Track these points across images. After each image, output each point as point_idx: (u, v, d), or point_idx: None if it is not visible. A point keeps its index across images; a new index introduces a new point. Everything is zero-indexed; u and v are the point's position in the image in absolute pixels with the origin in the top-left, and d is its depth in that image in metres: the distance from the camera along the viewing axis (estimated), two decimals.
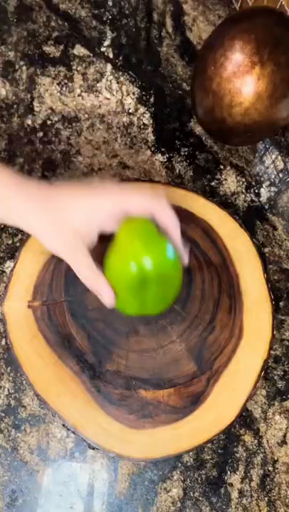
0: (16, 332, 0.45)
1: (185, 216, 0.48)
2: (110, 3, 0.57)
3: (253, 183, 0.53)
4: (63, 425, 0.46)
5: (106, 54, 0.55)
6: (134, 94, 0.54)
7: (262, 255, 0.51)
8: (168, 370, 0.46)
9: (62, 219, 0.36)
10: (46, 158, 0.53)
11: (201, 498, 0.46)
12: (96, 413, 0.44)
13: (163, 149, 0.53)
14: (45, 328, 0.45)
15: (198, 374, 0.46)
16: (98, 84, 0.54)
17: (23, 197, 0.36)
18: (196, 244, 0.48)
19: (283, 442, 0.48)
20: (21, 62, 0.54)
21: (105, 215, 0.37)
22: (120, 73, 0.55)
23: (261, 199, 0.53)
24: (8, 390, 0.47)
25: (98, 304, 0.44)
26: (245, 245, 0.48)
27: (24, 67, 0.54)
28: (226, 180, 0.53)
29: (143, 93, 0.54)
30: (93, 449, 0.46)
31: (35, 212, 0.36)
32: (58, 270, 0.46)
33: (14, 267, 0.46)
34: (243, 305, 0.47)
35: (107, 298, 0.39)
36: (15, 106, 0.53)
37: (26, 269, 0.46)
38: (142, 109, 0.54)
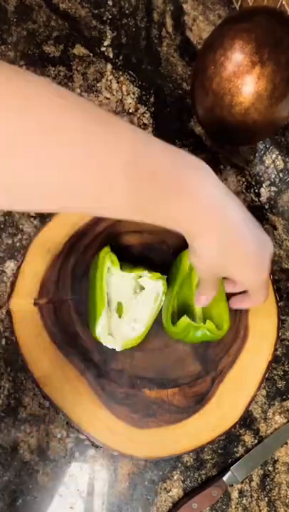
0: (22, 329, 0.45)
1: None
2: (110, 3, 0.56)
3: (253, 183, 0.53)
4: (67, 423, 0.46)
5: (106, 54, 0.55)
6: (134, 94, 0.54)
7: None
8: (173, 370, 0.46)
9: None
10: None
11: None
12: (100, 412, 0.44)
13: None
14: (51, 326, 0.45)
15: (203, 374, 0.46)
16: (98, 84, 0.54)
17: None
18: None
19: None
20: (21, 62, 0.54)
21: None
22: (120, 73, 0.55)
23: (261, 199, 0.53)
24: (8, 390, 0.47)
25: None
26: None
27: (24, 67, 0.54)
28: (226, 180, 0.53)
29: (143, 93, 0.54)
30: (97, 447, 0.46)
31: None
32: (64, 269, 0.46)
33: (21, 264, 0.45)
34: None
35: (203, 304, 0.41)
36: None
37: (33, 267, 0.46)
38: (142, 109, 0.54)
